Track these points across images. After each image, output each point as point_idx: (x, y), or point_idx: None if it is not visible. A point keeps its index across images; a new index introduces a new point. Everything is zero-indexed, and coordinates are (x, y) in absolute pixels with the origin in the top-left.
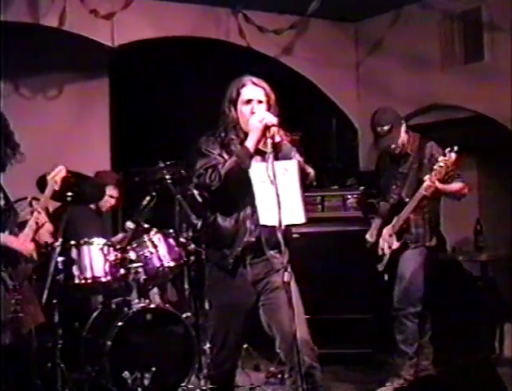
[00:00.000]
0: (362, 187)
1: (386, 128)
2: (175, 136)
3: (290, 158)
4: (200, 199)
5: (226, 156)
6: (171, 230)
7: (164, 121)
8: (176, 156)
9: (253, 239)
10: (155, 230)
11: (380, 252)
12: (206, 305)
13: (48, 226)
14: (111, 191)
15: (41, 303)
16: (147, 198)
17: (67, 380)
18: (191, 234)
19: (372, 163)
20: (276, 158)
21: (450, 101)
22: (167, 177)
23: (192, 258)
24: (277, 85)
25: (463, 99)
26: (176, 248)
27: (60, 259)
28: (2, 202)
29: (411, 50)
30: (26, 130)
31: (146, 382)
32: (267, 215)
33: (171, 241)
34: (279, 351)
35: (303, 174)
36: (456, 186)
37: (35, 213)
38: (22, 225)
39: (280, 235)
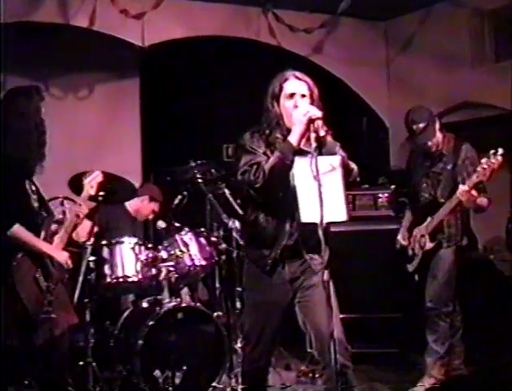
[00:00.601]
0: (393, 186)
1: (421, 125)
2: (206, 135)
3: (334, 153)
4: (231, 199)
5: (270, 155)
6: (202, 229)
7: (194, 121)
8: (207, 156)
9: (292, 242)
10: (186, 229)
11: (410, 253)
12: (238, 304)
13: (86, 227)
14: (154, 205)
15: (73, 302)
16: (179, 197)
17: (98, 378)
18: (222, 233)
19: (402, 161)
20: (320, 153)
21: (481, 99)
22: (198, 176)
23: (223, 257)
24: None
25: (494, 97)
26: (207, 247)
27: (92, 258)
28: (36, 204)
29: (441, 48)
30: (57, 130)
31: (177, 381)
32: (309, 212)
33: (202, 240)
34: (310, 350)
35: (347, 170)
36: (484, 200)
37: (73, 217)
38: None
39: (320, 233)
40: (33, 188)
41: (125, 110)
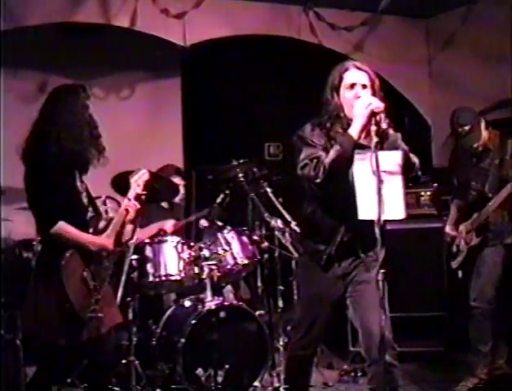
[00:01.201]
0: (435, 184)
1: (466, 128)
2: (247, 134)
3: (396, 147)
4: (273, 197)
5: (331, 149)
6: (244, 228)
7: (236, 119)
8: (248, 154)
9: (347, 239)
10: (228, 227)
11: (455, 249)
12: (280, 303)
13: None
14: (174, 179)
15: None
16: (221, 196)
17: (141, 377)
18: (264, 231)
19: (445, 160)
20: (381, 147)
21: None
22: (240, 175)
23: (266, 256)
24: None
25: None
26: (249, 246)
27: (134, 257)
28: (85, 200)
29: (483, 45)
30: (100, 130)
31: (219, 379)
32: (367, 208)
33: (245, 239)
34: (353, 349)
35: (409, 164)
36: None
37: (123, 212)
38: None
39: (377, 231)
40: (83, 186)
41: (167, 109)
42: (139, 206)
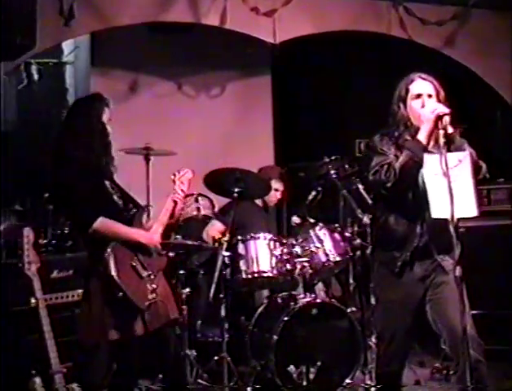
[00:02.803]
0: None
1: None
2: (339, 131)
3: (463, 150)
4: (365, 194)
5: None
6: (336, 225)
7: (327, 116)
8: (339, 151)
9: (422, 244)
10: (320, 224)
11: None
12: (372, 300)
13: (216, 223)
14: (275, 184)
15: (209, 298)
16: (313, 193)
17: (233, 373)
18: (356, 228)
19: None
20: (449, 149)
21: None
22: (332, 172)
23: (358, 253)
24: (441, 77)
25: None
26: (341, 243)
27: (227, 254)
28: (120, 202)
29: None
30: (190, 129)
31: (311, 376)
32: (439, 208)
33: (337, 236)
34: (444, 347)
35: (476, 166)
36: None
37: (169, 204)
38: (187, 220)
39: (451, 229)
40: (115, 187)
41: (258, 107)
42: (184, 197)
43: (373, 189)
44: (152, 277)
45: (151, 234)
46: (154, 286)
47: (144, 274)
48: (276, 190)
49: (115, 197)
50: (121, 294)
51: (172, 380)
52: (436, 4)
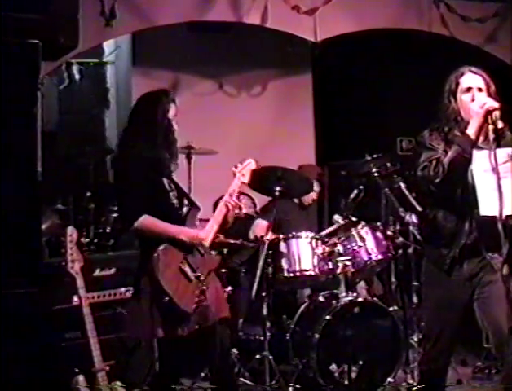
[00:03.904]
0: None
1: None
2: (380, 129)
3: None
4: (407, 193)
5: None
6: (378, 224)
7: (367, 114)
8: (380, 149)
9: (471, 241)
10: (363, 223)
11: None
12: (414, 299)
13: (261, 222)
14: (315, 186)
15: (251, 297)
16: (355, 191)
17: (274, 371)
18: (398, 227)
19: None
20: (498, 145)
21: None
22: (374, 170)
23: (400, 251)
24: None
25: None
26: (384, 242)
27: (269, 252)
28: (175, 200)
29: None
30: (231, 127)
31: (353, 375)
32: (488, 205)
33: (379, 234)
34: (486, 345)
35: None
36: None
37: (223, 207)
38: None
39: (500, 226)
40: (172, 185)
41: (298, 105)
42: (239, 203)
43: (422, 185)
44: (201, 278)
45: (195, 231)
46: (203, 288)
47: (193, 276)
48: (314, 190)
49: (171, 195)
50: (166, 299)
51: (219, 379)
52: (477, 1)
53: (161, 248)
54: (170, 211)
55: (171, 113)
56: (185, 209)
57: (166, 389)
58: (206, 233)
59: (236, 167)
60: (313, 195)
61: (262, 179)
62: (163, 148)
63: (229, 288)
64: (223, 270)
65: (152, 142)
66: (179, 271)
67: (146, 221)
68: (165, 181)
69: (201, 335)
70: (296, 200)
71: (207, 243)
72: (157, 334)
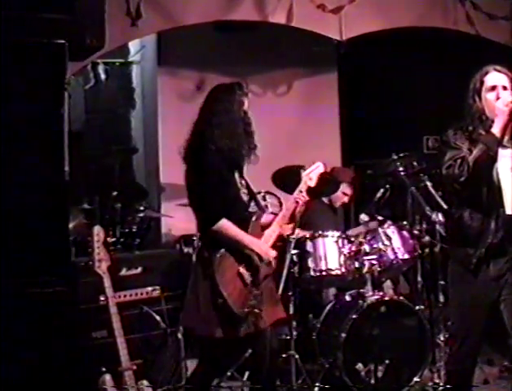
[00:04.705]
0: None
1: None
2: (405, 127)
3: None
4: (433, 191)
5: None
6: (405, 223)
7: (394, 113)
8: (406, 148)
9: (497, 241)
10: (389, 222)
11: None
12: (441, 298)
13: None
14: (345, 188)
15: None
16: (381, 190)
17: (301, 370)
18: (424, 226)
19: None
20: None
21: None
22: (400, 169)
23: (426, 250)
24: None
25: None
26: (410, 241)
27: (295, 252)
28: (246, 198)
29: None
30: (257, 126)
31: (379, 374)
32: None
33: (405, 233)
34: None
35: None
36: None
37: (291, 205)
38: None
39: None
40: (243, 182)
41: (324, 104)
42: (308, 198)
43: (447, 184)
44: (256, 283)
45: (267, 248)
46: (257, 292)
47: (249, 280)
48: (345, 194)
49: (242, 193)
50: (221, 301)
51: (262, 382)
52: None
53: (222, 250)
54: (240, 210)
55: (246, 106)
56: (251, 209)
57: (204, 389)
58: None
59: (303, 168)
60: (345, 199)
61: (288, 178)
62: (241, 140)
63: None
64: None
65: (231, 133)
66: (237, 274)
67: (224, 226)
68: (238, 177)
69: (247, 340)
70: (326, 201)
71: (272, 258)
72: (216, 334)
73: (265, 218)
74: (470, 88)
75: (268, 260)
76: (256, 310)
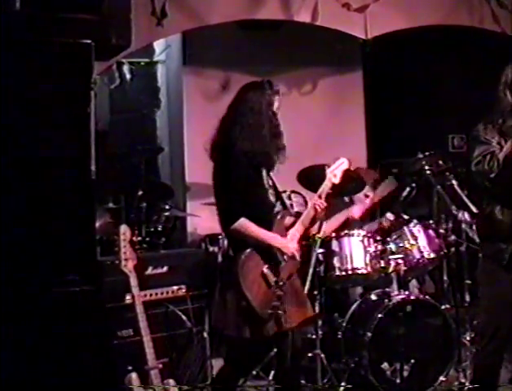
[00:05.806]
0: None
1: None
2: (430, 126)
3: None
4: (459, 190)
5: (504, 145)
6: (431, 222)
7: (419, 112)
8: (431, 147)
9: None
10: (415, 221)
11: None
12: (467, 297)
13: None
14: (367, 191)
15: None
16: (407, 189)
17: (326, 370)
18: (450, 225)
19: None
20: None
21: None
22: (426, 168)
23: (452, 250)
24: None
25: None
26: (436, 240)
27: (321, 251)
28: (272, 198)
29: None
30: (282, 125)
31: (405, 374)
32: None
33: (431, 232)
34: None
35: None
36: None
37: (311, 209)
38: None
39: None
40: (270, 182)
41: (349, 103)
42: (326, 204)
43: (477, 180)
44: (280, 283)
45: (287, 242)
46: (281, 293)
47: (273, 281)
48: (366, 196)
49: (270, 194)
50: (244, 303)
51: (285, 381)
52: None
53: (247, 250)
54: (267, 210)
55: (276, 106)
56: (277, 209)
57: (231, 387)
58: (295, 243)
59: (328, 166)
60: (366, 201)
61: (313, 177)
62: (268, 140)
63: None
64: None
65: (258, 133)
66: (261, 276)
67: (243, 224)
68: (265, 177)
69: (275, 337)
70: (347, 200)
71: (295, 254)
72: (244, 334)
73: (288, 220)
74: (501, 81)
75: (290, 253)
76: (280, 311)
